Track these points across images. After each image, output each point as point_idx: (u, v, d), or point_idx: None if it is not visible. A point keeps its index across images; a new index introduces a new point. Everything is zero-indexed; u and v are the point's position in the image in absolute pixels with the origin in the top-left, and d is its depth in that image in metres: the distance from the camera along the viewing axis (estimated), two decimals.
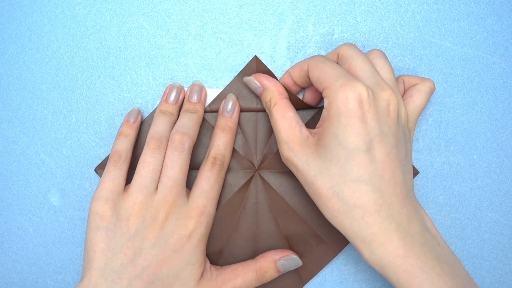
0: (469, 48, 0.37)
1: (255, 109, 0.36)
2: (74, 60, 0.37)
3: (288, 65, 0.37)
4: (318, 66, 0.31)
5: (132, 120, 0.35)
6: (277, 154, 0.36)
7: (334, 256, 0.36)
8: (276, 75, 0.36)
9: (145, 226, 0.31)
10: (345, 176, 0.29)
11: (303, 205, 0.36)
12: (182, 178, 0.32)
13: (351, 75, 0.30)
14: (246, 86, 0.36)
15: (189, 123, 0.33)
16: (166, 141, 0.32)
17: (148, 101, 0.37)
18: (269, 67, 0.37)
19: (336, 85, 0.29)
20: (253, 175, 0.36)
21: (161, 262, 0.31)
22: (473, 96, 0.37)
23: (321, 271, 0.37)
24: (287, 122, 0.31)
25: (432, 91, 0.33)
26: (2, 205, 0.37)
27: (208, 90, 0.36)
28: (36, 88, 0.37)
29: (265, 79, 0.34)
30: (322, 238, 0.36)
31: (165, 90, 0.35)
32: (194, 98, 0.35)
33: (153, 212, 0.31)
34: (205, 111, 0.36)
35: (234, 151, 0.36)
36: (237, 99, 0.36)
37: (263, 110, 0.36)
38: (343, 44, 0.32)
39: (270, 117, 0.33)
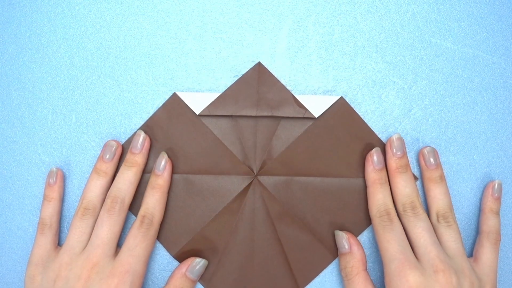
0: (469, 48, 0.37)
1: (255, 116, 0.36)
2: (74, 60, 0.37)
3: (288, 65, 0.37)
4: (379, 231, 0.34)
5: (52, 182, 0.36)
6: (277, 159, 0.36)
7: (331, 262, 0.36)
8: (276, 76, 0.36)
9: (70, 286, 0.32)
10: None
11: (301, 211, 0.36)
12: (110, 238, 0.33)
13: (406, 255, 0.32)
14: (246, 91, 0.36)
15: (123, 184, 0.34)
16: (94, 207, 0.34)
17: (148, 101, 0.37)
18: (269, 67, 0.37)
19: (390, 267, 0.32)
20: (252, 180, 0.36)
21: None
22: (473, 96, 0.37)
23: (321, 271, 0.37)
24: None
25: (498, 240, 0.35)
26: (2, 205, 0.37)
27: (206, 94, 0.36)
28: (36, 88, 0.37)
29: (355, 244, 0.34)
30: (319, 243, 0.36)
31: (103, 146, 0.36)
32: (136, 149, 0.35)
33: (77, 272, 0.32)
34: (202, 115, 0.36)
35: (232, 156, 0.36)
36: (169, 157, 0.36)
37: (263, 116, 0.36)
38: (405, 187, 0.34)
39: (346, 282, 0.34)
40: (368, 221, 0.36)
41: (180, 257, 0.36)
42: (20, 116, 0.37)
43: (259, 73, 0.36)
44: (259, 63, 0.36)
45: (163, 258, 0.37)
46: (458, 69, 0.37)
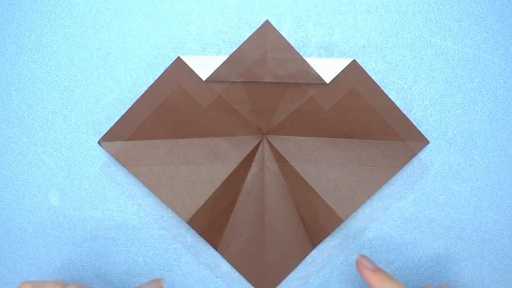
0: (469, 48, 0.37)
1: (265, 81, 0.35)
2: (74, 60, 0.37)
3: None
4: None
5: None
6: (286, 120, 0.36)
7: (341, 223, 0.36)
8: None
9: None
10: None
11: (310, 172, 0.36)
12: None
13: None
14: (254, 54, 0.35)
15: None
16: None
17: None
18: None
19: None
20: (261, 140, 0.36)
21: None
22: (473, 96, 0.37)
23: (321, 271, 0.37)
24: None
25: None
26: (2, 205, 0.37)
27: (212, 57, 0.35)
28: (36, 88, 0.37)
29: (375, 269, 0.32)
30: (329, 205, 0.36)
31: None
32: None
33: None
34: (211, 80, 0.35)
35: (240, 118, 0.36)
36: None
37: (274, 82, 0.35)
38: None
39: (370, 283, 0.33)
40: (379, 184, 0.36)
41: (194, 223, 0.36)
42: (20, 116, 0.37)
43: (268, 34, 0.35)
44: (267, 22, 0.35)
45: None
46: (458, 69, 0.37)
